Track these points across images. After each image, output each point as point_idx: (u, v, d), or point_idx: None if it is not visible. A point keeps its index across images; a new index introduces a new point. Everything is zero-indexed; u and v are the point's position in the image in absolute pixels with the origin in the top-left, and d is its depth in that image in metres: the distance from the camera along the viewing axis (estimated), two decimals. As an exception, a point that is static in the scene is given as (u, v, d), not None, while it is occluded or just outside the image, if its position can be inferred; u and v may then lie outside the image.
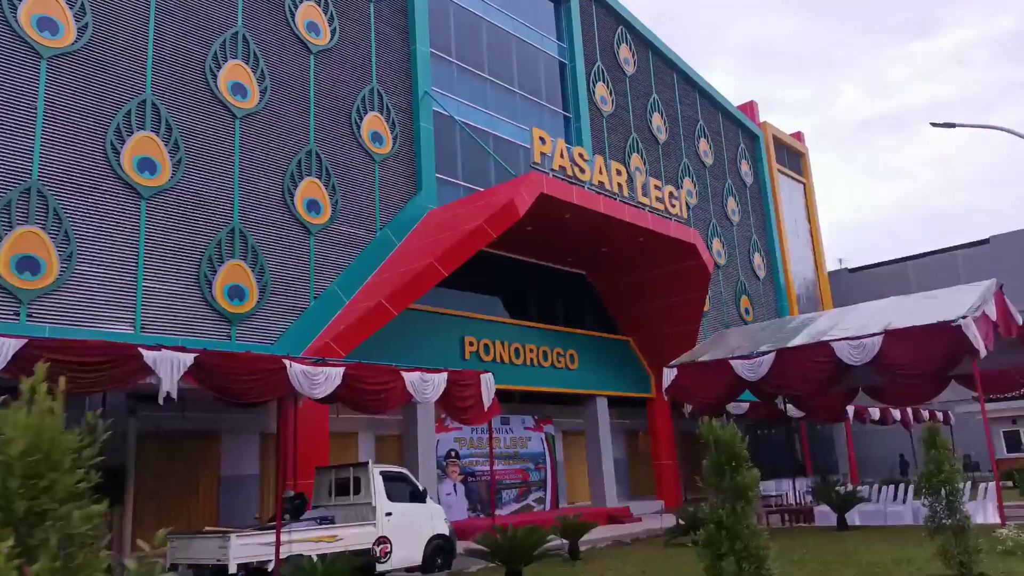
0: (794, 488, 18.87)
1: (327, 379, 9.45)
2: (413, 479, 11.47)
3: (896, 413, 25.58)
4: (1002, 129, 13.12)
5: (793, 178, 38.21)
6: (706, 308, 28.61)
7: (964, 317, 12.04)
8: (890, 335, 12.79)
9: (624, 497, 25.01)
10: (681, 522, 12.45)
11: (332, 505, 11.15)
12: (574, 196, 18.18)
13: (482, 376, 12.18)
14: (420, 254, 16.70)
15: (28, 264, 12.29)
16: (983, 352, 12.01)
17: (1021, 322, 14.56)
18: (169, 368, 8.16)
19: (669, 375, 15.79)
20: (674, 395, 15.95)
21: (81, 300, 12.86)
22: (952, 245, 38.88)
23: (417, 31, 19.95)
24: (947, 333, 12.17)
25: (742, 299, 31.32)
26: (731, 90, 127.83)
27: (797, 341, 14.30)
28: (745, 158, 34.35)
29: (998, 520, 12.27)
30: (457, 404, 11.43)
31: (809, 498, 16.99)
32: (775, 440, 33.37)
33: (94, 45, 13.78)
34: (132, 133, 14.00)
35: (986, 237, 38.19)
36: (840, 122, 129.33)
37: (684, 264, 22.55)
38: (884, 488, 16.26)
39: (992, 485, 12.23)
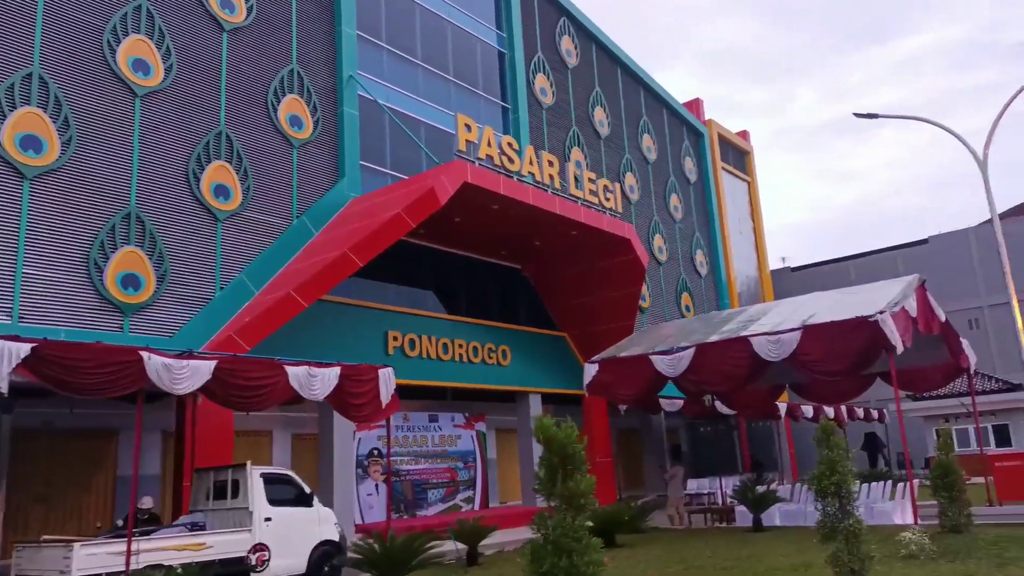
0: (720, 487, 18.57)
1: (193, 373, 8.70)
2: (299, 481, 10.74)
3: (830, 411, 25.58)
4: (924, 120, 12.92)
5: (738, 176, 38.20)
6: (646, 304, 28.36)
7: (882, 312, 11.75)
8: (808, 331, 12.47)
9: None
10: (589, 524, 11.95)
11: (209, 509, 10.37)
12: (501, 186, 17.59)
13: (380, 371, 11.50)
14: (336, 244, 15.93)
15: None
16: (900, 348, 11.74)
17: (944, 319, 14.39)
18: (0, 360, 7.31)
19: (590, 371, 15.31)
20: (595, 391, 15.46)
21: (-52, 286, 11.85)
22: (892, 245, 39.30)
23: (343, 12, 19.13)
24: (864, 328, 11.88)
25: (683, 296, 31.11)
26: (693, 93, 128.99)
27: (717, 336, 13.92)
28: (689, 155, 34.17)
29: (913, 521, 12.03)
30: (350, 401, 10.73)
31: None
32: (716, 437, 33.34)
33: (-30, 11, 12.74)
34: (15, 108, 12.98)
35: (925, 237, 38.68)
36: (798, 125, 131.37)
37: (619, 259, 22.14)
38: (805, 487, 16.00)
39: (911, 485, 11.94)
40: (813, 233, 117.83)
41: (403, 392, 20.69)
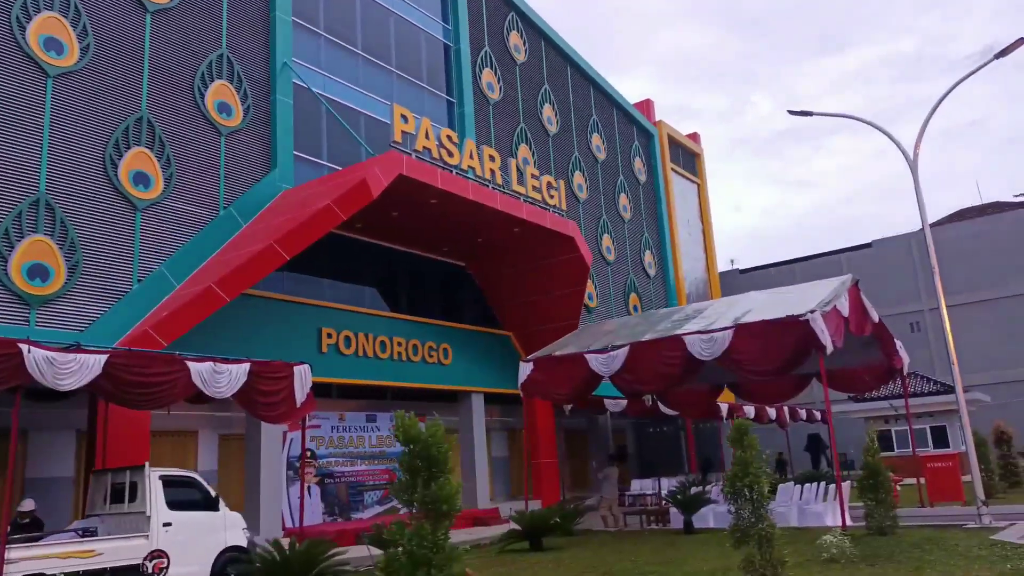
0: (658, 488, 18.37)
1: (80, 368, 8.08)
2: (204, 484, 10.13)
3: (772, 411, 25.65)
4: (856, 119, 12.86)
5: (687, 178, 38.32)
6: (594, 304, 28.17)
7: (812, 311, 11.60)
8: (740, 329, 12.27)
9: (504, 497, 24.15)
10: (516, 527, 11.57)
11: (107, 514, 9.72)
12: (438, 180, 17.13)
13: (296, 368, 10.95)
14: (263, 236, 15.29)
15: None
16: (830, 348, 11.60)
17: (877, 320, 14.36)
18: None
19: (525, 369, 14.94)
20: (529, 390, 15.10)
21: None
22: (837, 248, 39.85)
23: (278, -3, 18.46)
24: (795, 327, 11.72)
25: (631, 296, 31.00)
26: (654, 98, 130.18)
27: (652, 335, 13.66)
28: (639, 155, 34.11)
29: (841, 523, 11.90)
30: (260, 400, 10.17)
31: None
32: (664, 438, 33.31)
33: None
34: (-93, 84, 12.10)
35: (869, 241, 39.28)
36: (754, 133, 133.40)
37: (563, 257, 21.86)
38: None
39: (840, 486, 11.81)
40: (767, 238, 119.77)
41: (340, 391, 20.28)
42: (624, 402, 22.27)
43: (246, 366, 10.16)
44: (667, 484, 20.72)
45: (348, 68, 20.61)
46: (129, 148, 14.98)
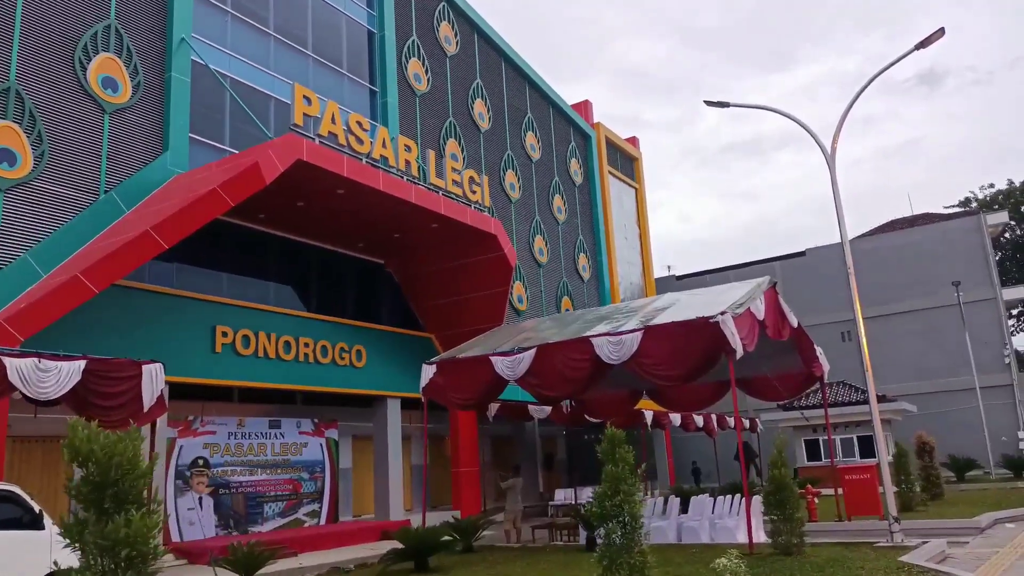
0: (575, 499, 17.51)
1: None
2: (26, 499, 8.83)
3: (699, 419, 25.11)
4: (772, 110, 12.23)
5: (625, 182, 37.83)
6: (523, 307, 27.29)
7: (723, 313, 10.85)
8: (650, 331, 11.46)
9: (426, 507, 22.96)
10: (400, 545, 10.51)
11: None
12: (344, 168, 15.98)
13: (145, 367, 9.71)
14: (142, 222, 13.93)
15: None
16: (740, 351, 10.86)
17: (796, 324, 13.74)
18: None
19: (427, 372, 13.90)
20: (431, 395, 14.07)
21: None
22: (772, 256, 39.83)
23: (177, -33, 17.09)
24: (705, 330, 10.95)
25: (563, 299, 30.21)
26: (604, 107, 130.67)
27: (561, 336, 12.78)
28: (576, 157, 33.43)
29: (759, 539, 11.18)
30: (97, 402, 8.91)
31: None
32: (593, 446, 32.64)
33: None
34: None
35: (803, 249, 39.36)
36: (703, 144, 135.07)
37: (485, 256, 20.91)
38: (655, 500, 15.11)
39: (747, 500, 11.05)
40: (713, 248, 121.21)
41: (239, 394, 18.91)
42: (549, 409, 21.43)
43: (80, 363, 8.90)
44: (587, 494, 19.87)
45: (258, 49, 19.30)
46: (-9, 121, 13.47)
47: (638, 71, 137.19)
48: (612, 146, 36.88)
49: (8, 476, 12.45)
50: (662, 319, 11.86)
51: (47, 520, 8.76)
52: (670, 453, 35.81)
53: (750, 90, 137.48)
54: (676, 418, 22.86)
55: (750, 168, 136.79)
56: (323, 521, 20.33)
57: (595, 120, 35.78)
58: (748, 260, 41.73)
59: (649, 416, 21.68)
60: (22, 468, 13.69)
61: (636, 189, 39.02)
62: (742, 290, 12.39)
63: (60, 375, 8.59)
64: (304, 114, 15.48)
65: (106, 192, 15.11)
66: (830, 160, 11.57)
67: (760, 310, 11.84)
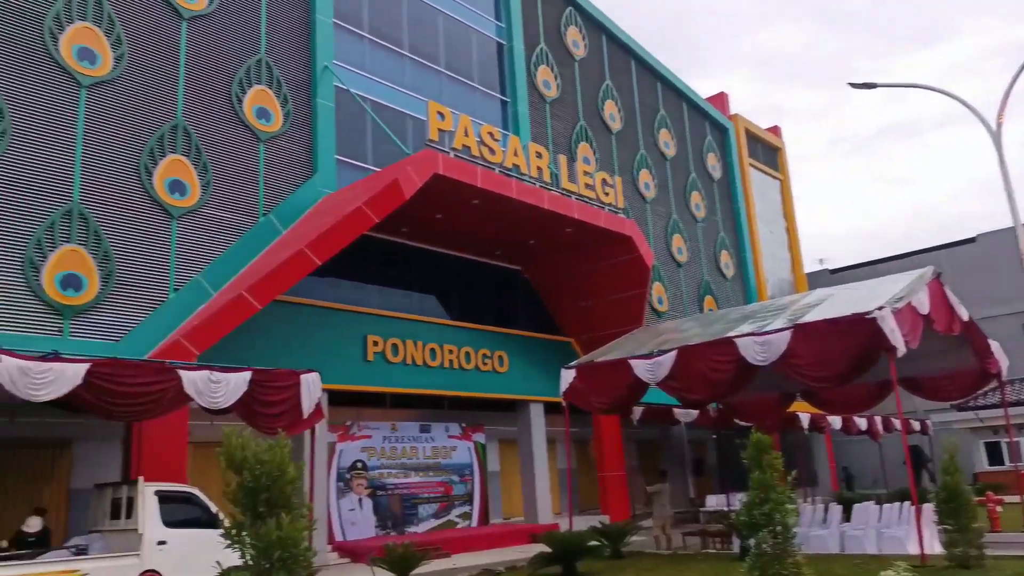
0: (728, 505, 16.90)
1: (57, 378, 7.67)
2: (204, 500, 9.61)
3: (862, 422, 23.54)
4: (925, 87, 11.24)
5: (768, 173, 36.21)
6: (664, 308, 26.76)
7: (881, 308, 10.10)
8: (799, 330, 10.85)
9: (576, 511, 22.97)
10: (547, 549, 10.55)
11: (107, 530, 9.32)
12: (478, 179, 16.34)
13: (304, 376, 10.33)
14: (296, 241, 14.90)
15: None
16: (902, 349, 10.06)
17: (966, 318, 12.58)
18: None
19: (567, 377, 13.89)
20: (572, 399, 14.04)
21: None
22: (937, 244, 36.75)
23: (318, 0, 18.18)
24: (861, 327, 10.23)
25: (706, 299, 29.32)
26: (747, 98, 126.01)
27: (704, 337, 12.37)
28: (713, 151, 32.40)
29: (932, 550, 10.32)
30: (261, 411, 9.57)
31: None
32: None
33: None
34: (-59, 98, 12.27)
35: (973, 236, 36.06)
36: (853, 130, 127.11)
37: (621, 258, 20.70)
38: (815, 508, 14.27)
39: (917, 509, 10.19)
40: (868, 239, 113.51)
41: (394, 400, 19.75)
42: (695, 412, 20.87)
43: (246, 375, 9.62)
44: (740, 500, 19.12)
45: (393, 70, 20.16)
46: (164, 156, 14.88)
47: (777, 59, 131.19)
48: (752, 137, 35.45)
49: (189, 479, 13.62)
50: (813, 316, 11.21)
51: (225, 520, 9.53)
52: (831, 458, 33.82)
53: (901, 68, 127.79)
54: (836, 421, 21.55)
55: (906, 152, 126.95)
56: (474, 523, 20.84)
57: (732, 112, 34.53)
58: (910, 250, 38.74)
59: (805, 419, 20.57)
60: (201, 471, 14.96)
61: (780, 180, 37.27)
62: (902, 282, 11.48)
63: (229, 386, 9.34)
64: (439, 129, 15.97)
65: (264, 215, 16.27)
66: (995, 138, 10.50)
67: (923, 303, 10.93)
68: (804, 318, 11.22)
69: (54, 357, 8.05)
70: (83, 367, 8.01)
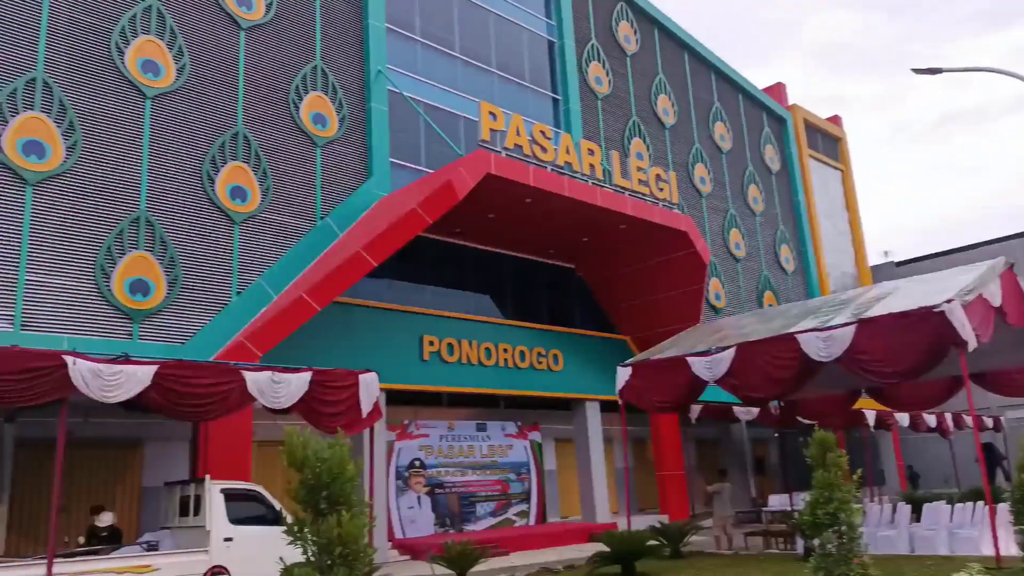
0: (791, 505, 16.51)
1: (128, 380, 7.97)
2: (268, 497, 9.85)
3: (931, 419, 22.71)
4: (991, 70, 10.73)
5: (829, 164, 35.25)
6: (721, 304, 26.33)
7: (949, 301, 9.73)
8: (864, 325, 10.52)
9: (634, 511, 22.81)
10: (605, 548, 10.48)
11: (176, 527, 9.64)
12: (531, 177, 16.34)
13: (362, 376, 10.49)
14: (353, 244, 15.15)
15: None
16: (972, 343, 9.66)
17: (1044, 309, 11.99)
18: None
19: (623, 375, 13.77)
20: (628, 398, 13.91)
21: (-56, 294, 11.73)
22: (1010, 234, 35.22)
23: (371, 5, 18.45)
24: (929, 321, 9.86)
25: (765, 294, 28.71)
26: (805, 88, 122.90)
27: (764, 333, 12.10)
28: (770, 143, 31.70)
29: (1008, 552, 9.88)
30: (321, 410, 9.77)
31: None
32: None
33: (-28, 19, 12.72)
34: (17, 113, 12.87)
35: (1050, 224, 34.39)
36: (916, 118, 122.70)
37: (677, 254, 20.42)
38: (882, 508, 13.82)
39: (991, 509, 9.78)
40: (935, 230, 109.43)
41: (450, 399, 19.92)
42: (756, 410, 20.46)
43: (307, 375, 9.83)
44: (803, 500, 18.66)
45: (445, 71, 20.31)
46: (226, 163, 15.30)
47: (835, 47, 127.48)
48: (811, 128, 34.56)
49: (253, 477, 13.98)
50: (878, 310, 10.85)
51: (288, 517, 9.76)
52: (899, 456, 32.75)
53: (964, 53, 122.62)
54: (903, 418, 20.85)
55: (973, 139, 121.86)
56: (532, 521, 20.86)
57: (790, 103, 33.73)
58: (980, 240, 37.20)
59: (871, 416, 19.96)
60: (265, 470, 15.35)
61: (842, 171, 36.25)
62: (972, 274, 11.03)
63: (290, 386, 9.57)
64: (491, 129, 16.03)
65: (322, 218, 16.59)
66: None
67: (995, 295, 10.48)
68: (869, 312, 10.88)
69: (124, 360, 8.38)
70: (152, 369, 8.31)
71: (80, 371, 7.79)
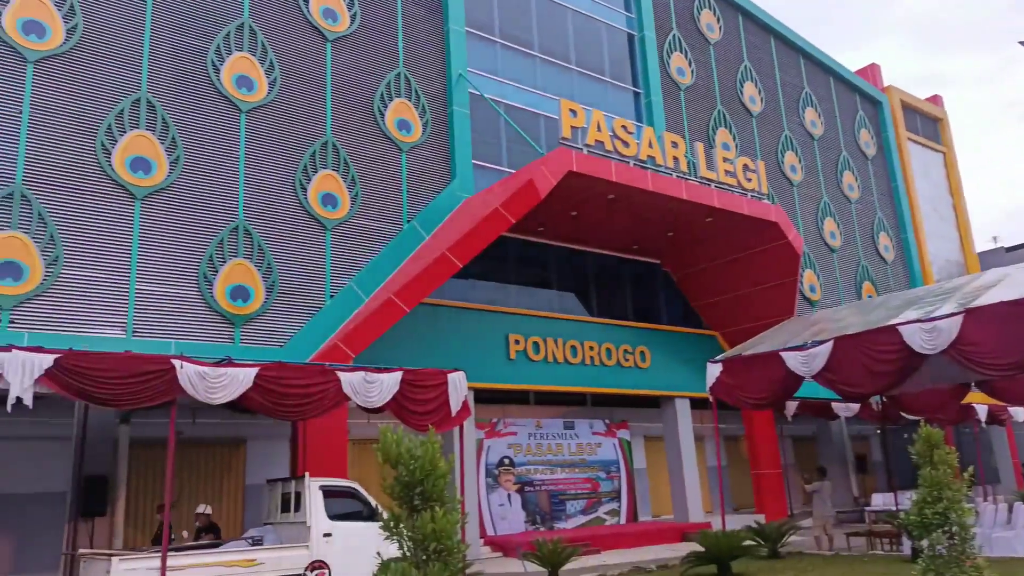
0: (896, 504, 15.77)
1: (231, 382, 8.37)
2: (365, 495, 10.13)
3: (1051, 414, 21.24)
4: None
5: (929, 147, 33.46)
6: (816, 296, 25.43)
7: (1068, 288, 9.07)
8: (972, 314, 9.93)
9: (729, 510, 22.31)
10: (700, 548, 10.27)
11: (278, 523, 10.05)
12: (613, 173, 16.20)
13: (450, 375, 10.66)
14: (439, 246, 15.41)
15: (10, 270, 12.15)
16: (1094, 333, 8.98)
17: None
18: (19, 372, 7.32)
19: (713, 372, 13.47)
20: (719, 394, 13.60)
21: (66, 305, 12.59)
22: None
23: (451, 10, 18.70)
24: (1044, 310, 9.22)
25: (864, 285, 27.52)
26: (900, 67, 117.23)
27: (863, 326, 11.59)
28: (865, 127, 30.35)
29: None
30: (412, 408, 9.98)
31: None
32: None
33: (84, 44, 13.60)
34: (125, 133, 13.69)
35: None
36: None
37: (768, 245, 19.83)
38: (997, 507, 13.01)
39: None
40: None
41: (535, 397, 20.00)
42: (856, 406, 19.68)
43: (398, 375, 10.08)
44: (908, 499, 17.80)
45: (525, 71, 20.38)
46: (317, 172, 15.83)
47: (932, 23, 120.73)
48: (909, 109, 32.89)
49: (349, 475, 14.42)
50: (987, 299, 10.23)
51: (383, 513, 10.04)
52: (1014, 452, 30.78)
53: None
54: (1018, 412, 19.60)
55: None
56: (623, 520, 20.71)
57: (885, 84, 32.20)
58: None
59: (982, 411, 18.85)
60: (360, 467, 15.82)
61: (944, 153, 34.34)
62: (1094, 257, 10.27)
63: (382, 386, 9.83)
64: (571, 126, 15.98)
65: (408, 221, 16.95)
66: None
67: (1123, 280, 9.71)
68: (977, 301, 10.26)
69: (227, 363, 8.81)
70: (253, 371, 8.71)
71: (187, 374, 8.25)
